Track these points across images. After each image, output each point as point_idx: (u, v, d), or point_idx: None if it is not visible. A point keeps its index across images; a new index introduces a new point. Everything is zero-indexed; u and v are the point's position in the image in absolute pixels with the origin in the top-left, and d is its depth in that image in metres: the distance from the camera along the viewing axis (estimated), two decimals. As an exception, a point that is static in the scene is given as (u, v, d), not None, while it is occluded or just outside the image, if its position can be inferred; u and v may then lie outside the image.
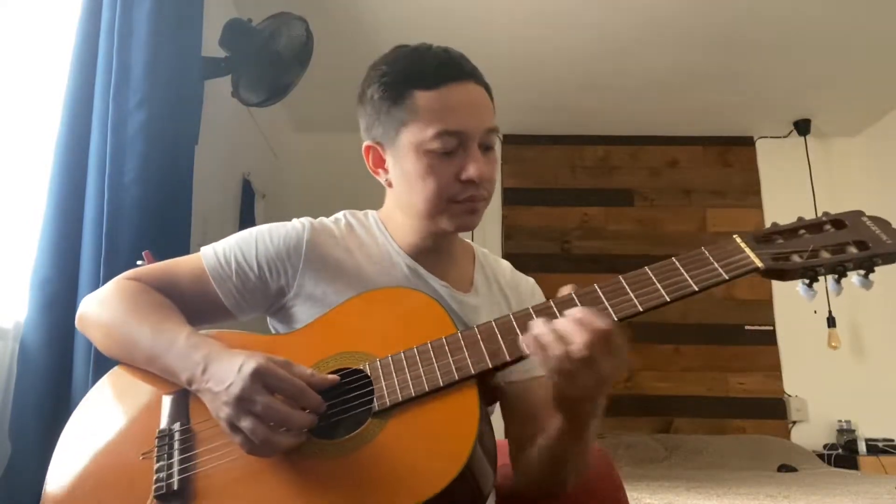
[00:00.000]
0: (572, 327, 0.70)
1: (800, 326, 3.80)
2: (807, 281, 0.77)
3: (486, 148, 0.95)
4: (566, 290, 0.80)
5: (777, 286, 3.91)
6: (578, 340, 0.69)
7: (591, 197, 4.17)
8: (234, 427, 0.76)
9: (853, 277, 0.76)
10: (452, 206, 0.94)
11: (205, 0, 2.00)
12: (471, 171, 0.91)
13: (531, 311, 0.81)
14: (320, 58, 2.30)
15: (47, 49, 1.74)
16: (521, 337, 0.76)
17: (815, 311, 3.73)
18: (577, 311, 0.72)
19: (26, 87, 1.68)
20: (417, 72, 0.94)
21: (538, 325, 0.73)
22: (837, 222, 0.78)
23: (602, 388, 0.72)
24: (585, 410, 0.77)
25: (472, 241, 1.15)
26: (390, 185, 1.01)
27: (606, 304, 0.77)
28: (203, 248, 1.00)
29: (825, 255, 0.76)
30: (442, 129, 0.91)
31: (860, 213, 0.78)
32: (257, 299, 0.99)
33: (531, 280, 1.12)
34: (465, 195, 0.93)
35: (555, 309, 0.79)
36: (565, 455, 0.83)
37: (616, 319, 0.76)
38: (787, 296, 3.86)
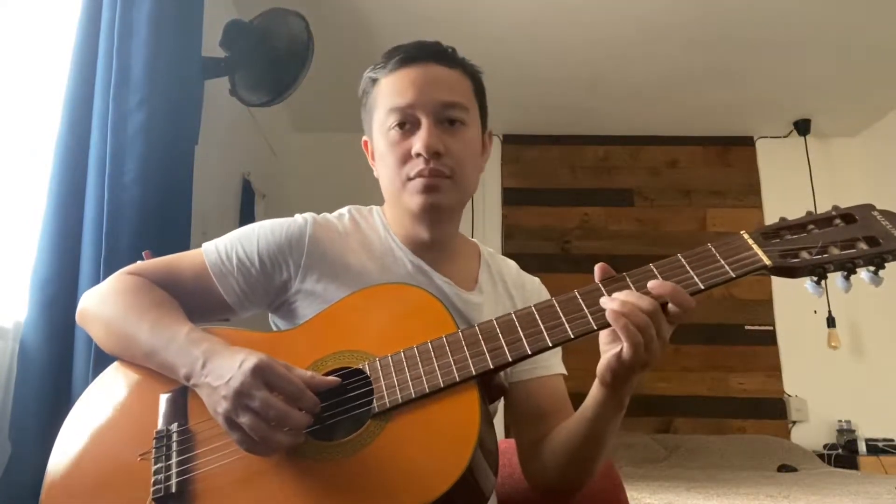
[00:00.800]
0: (663, 291, 0.74)
1: (800, 326, 3.80)
2: (815, 278, 0.75)
3: (450, 122, 0.96)
4: (598, 273, 0.81)
5: (777, 286, 3.91)
6: (652, 307, 0.72)
7: (591, 197, 4.16)
8: (231, 423, 0.75)
9: (862, 274, 0.74)
10: (409, 183, 0.95)
11: (205, 0, 2.00)
12: (417, 144, 0.93)
13: (533, 309, 0.80)
14: (320, 58, 2.30)
15: (47, 49, 1.74)
16: (602, 299, 0.76)
17: (815, 311, 3.74)
18: (657, 284, 0.74)
19: (26, 87, 1.68)
20: (386, 62, 0.99)
21: (619, 296, 0.74)
22: (847, 216, 0.76)
23: (656, 361, 0.74)
24: (634, 382, 0.78)
25: (472, 238, 1.15)
26: (378, 175, 1.03)
27: None
28: (204, 245, 1.00)
29: (834, 251, 0.74)
30: (392, 106, 0.95)
31: (870, 207, 0.76)
32: (259, 295, 0.99)
33: (537, 280, 1.11)
34: (416, 170, 0.94)
35: (557, 307, 0.79)
36: (604, 434, 0.83)
37: None
38: (788, 296, 3.86)
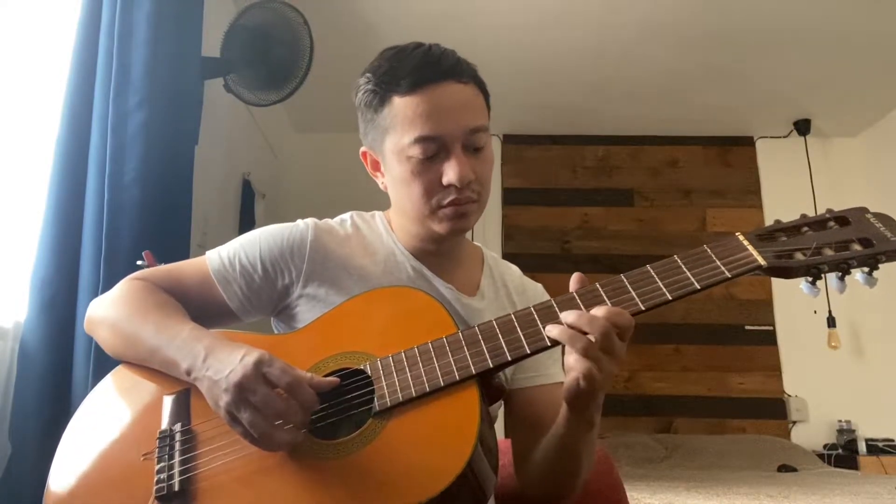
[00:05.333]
0: (600, 314, 0.73)
1: (800, 326, 3.80)
2: (810, 279, 0.76)
3: (475, 149, 0.93)
4: (573, 284, 0.80)
5: (777, 286, 3.91)
6: (601, 328, 0.72)
7: (591, 197, 4.17)
8: (233, 417, 0.76)
9: (857, 275, 0.75)
10: (439, 210, 0.93)
11: (205, 0, 2.00)
12: (450, 175, 0.90)
13: (532, 310, 0.80)
14: (320, 58, 2.30)
15: (47, 49, 1.74)
16: (548, 327, 0.76)
17: (815, 311, 3.73)
18: (599, 309, 0.74)
19: (26, 87, 1.68)
20: (395, 77, 0.92)
21: (568, 315, 0.74)
22: (841, 219, 0.77)
23: (612, 378, 0.74)
24: (597, 401, 0.77)
25: (472, 240, 1.14)
26: (386, 188, 1.01)
27: (608, 302, 0.77)
28: (208, 252, 1.01)
29: (828, 252, 0.75)
30: (419, 136, 0.90)
31: (864, 210, 0.77)
32: (262, 301, 1.00)
33: (539, 285, 1.11)
34: (448, 199, 0.92)
35: (556, 308, 0.79)
36: (578, 451, 0.84)
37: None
38: (788, 296, 3.87)
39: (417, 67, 0.91)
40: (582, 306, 0.78)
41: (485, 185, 0.95)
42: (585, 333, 0.73)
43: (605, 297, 0.78)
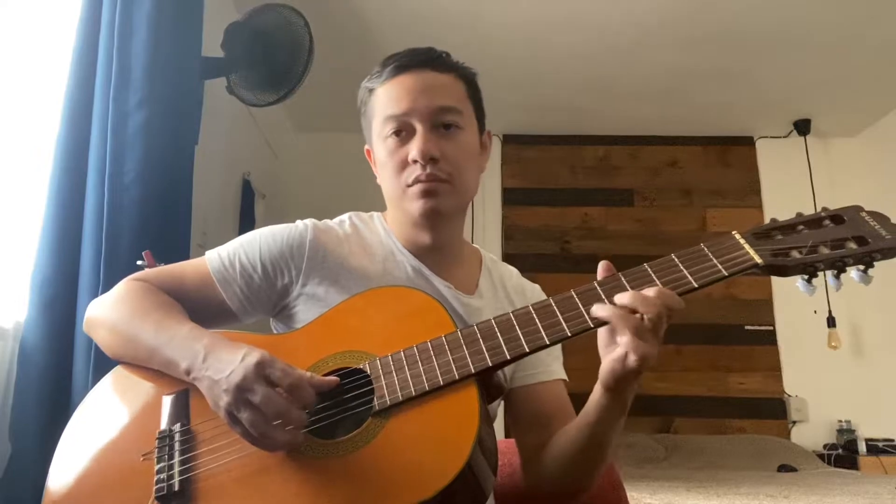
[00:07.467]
0: (653, 294, 0.73)
1: (800, 326, 3.80)
2: (806, 277, 0.76)
3: (446, 126, 0.96)
4: (601, 272, 0.80)
5: (777, 286, 3.91)
6: (656, 309, 0.71)
7: (591, 197, 4.17)
8: (233, 418, 0.76)
9: (852, 273, 0.75)
10: (409, 189, 0.96)
11: (205, 0, 2.00)
12: (412, 151, 0.94)
13: (531, 308, 0.80)
14: (320, 57, 2.30)
15: (47, 49, 1.74)
16: (594, 306, 0.75)
17: (815, 311, 3.74)
18: (650, 290, 0.73)
19: (26, 87, 1.68)
20: (381, 72, 1.00)
21: (622, 297, 0.74)
22: (836, 217, 0.78)
23: (656, 358, 0.73)
24: (634, 385, 0.77)
25: (472, 240, 1.15)
26: (380, 182, 1.04)
27: (606, 301, 0.77)
28: (207, 253, 1.01)
29: (824, 250, 0.75)
30: (388, 115, 0.97)
31: (859, 209, 0.78)
32: (262, 301, 1.00)
33: (537, 286, 1.12)
34: (413, 176, 0.95)
35: (554, 307, 0.79)
36: (608, 440, 0.83)
37: None
38: (788, 296, 3.87)
39: (398, 58, 0.99)
40: (580, 304, 0.78)
41: (456, 166, 0.96)
42: (635, 314, 0.72)
43: (602, 296, 0.78)
